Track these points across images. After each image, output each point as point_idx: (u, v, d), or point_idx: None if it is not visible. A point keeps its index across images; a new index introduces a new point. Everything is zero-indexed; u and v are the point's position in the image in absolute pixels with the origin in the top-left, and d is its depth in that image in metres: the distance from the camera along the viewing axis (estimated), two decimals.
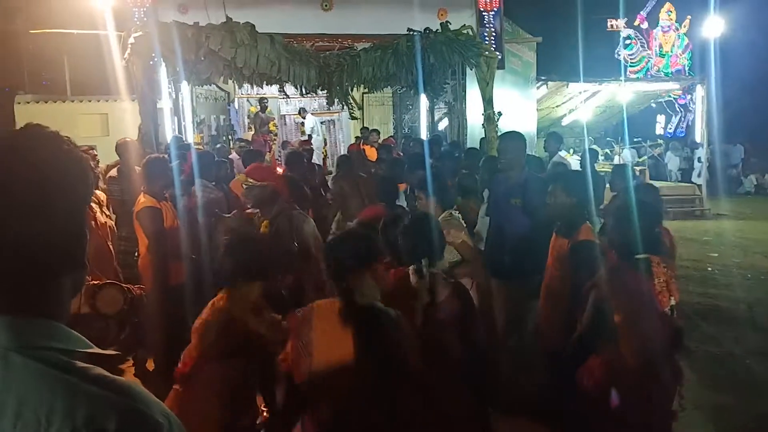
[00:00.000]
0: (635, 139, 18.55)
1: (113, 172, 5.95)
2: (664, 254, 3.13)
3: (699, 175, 15.52)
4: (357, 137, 12.00)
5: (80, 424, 0.81)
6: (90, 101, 13.40)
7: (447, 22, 8.71)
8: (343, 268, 2.30)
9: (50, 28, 10.75)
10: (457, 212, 4.13)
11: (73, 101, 13.51)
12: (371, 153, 9.55)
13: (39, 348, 0.85)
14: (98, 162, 6.64)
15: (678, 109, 20.17)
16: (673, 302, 2.95)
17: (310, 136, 14.08)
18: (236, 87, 11.83)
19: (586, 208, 3.60)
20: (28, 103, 13.33)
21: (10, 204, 0.87)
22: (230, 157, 8.51)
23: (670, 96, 19.28)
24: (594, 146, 16.47)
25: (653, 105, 19.82)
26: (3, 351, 0.84)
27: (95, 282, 3.99)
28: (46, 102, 13.39)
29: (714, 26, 16.50)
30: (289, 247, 3.94)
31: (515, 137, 4.58)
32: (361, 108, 13.68)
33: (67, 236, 0.92)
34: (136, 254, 4.71)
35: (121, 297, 4.03)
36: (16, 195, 0.87)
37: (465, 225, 4.10)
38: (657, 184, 13.86)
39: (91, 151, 6.40)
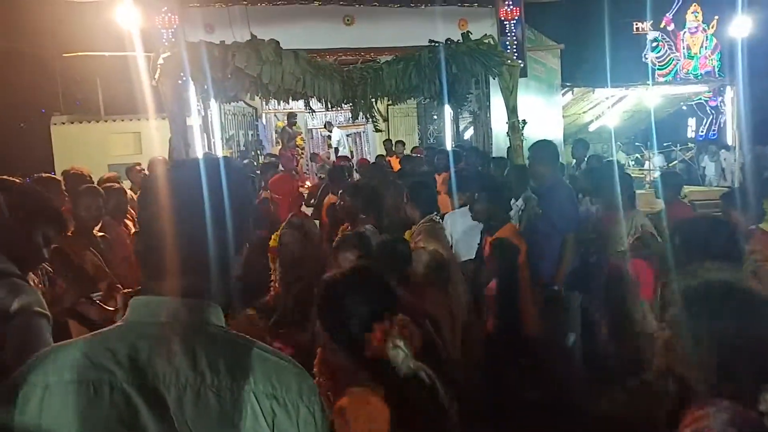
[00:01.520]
0: (665, 144, 18.27)
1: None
2: None
3: (725, 179, 15.24)
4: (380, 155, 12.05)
5: (274, 381, 1.10)
6: (122, 121, 13.74)
7: (468, 32, 8.76)
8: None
9: (82, 51, 11.08)
10: (439, 218, 4.10)
11: (106, 121, 13.86)
12: (396, 165, 9.62)
13: (217, 325, 1.14)
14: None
15: (709, 112, 19.85)
16: None
17: (337, 149, 14.22)
18: (263, 103, 12.06)
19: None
20: (63, 124, 13.73)
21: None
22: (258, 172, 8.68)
23: (700, 98, 18.98)
24: (621, 152, 16.30)
25: (684, 108, 19.52)
26: (202, 325, 1.12)
27: (129, 290, 4.13)
28: (80, 122, 13.77)
29: (742, 26, 16.23)
30: None
31: (543, 146, 4.63)
32: (386, 120, 13.80)
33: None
34: None
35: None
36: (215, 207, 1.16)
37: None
38: (690, 188, 13.67)
39: (138, 167, 6.67)
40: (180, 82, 7.99)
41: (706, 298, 1.45)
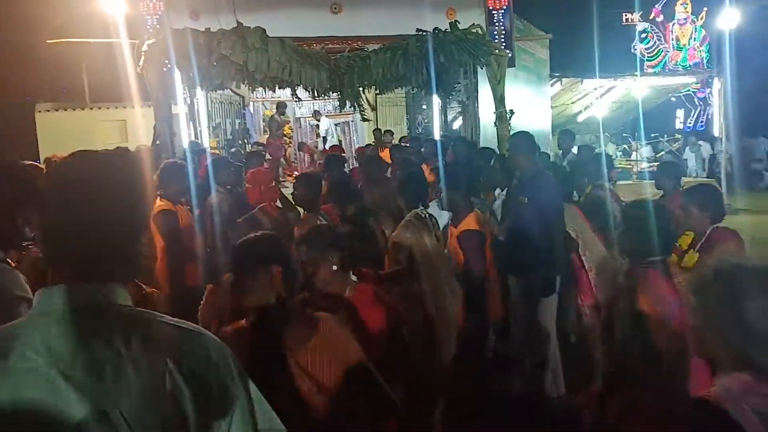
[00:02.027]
0: (653, 135, 18.36)
1: None
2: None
3: (704, 170, 15.36)
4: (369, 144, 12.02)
5: (184, 349, 1.17)
6: (108, 108, 13.60)
7: (456, 21, 8.74)
8: None
9: (67, 37, 10.95)
10: (424, 213, 4.00)
11: (92, 109, 13.72)
12: (386, 155, 9.59)
13: (123, 305, 1.19)
14: None
15: (697, 103, 19.95)
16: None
17: (325, 138, 14.17)
18: (251, 91, 11.98)
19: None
20: (48, 111, 13.57)
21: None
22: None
23: (688, 89, 19.08)
24: (610, 143, 16.34)
25: (672, 99, 19.62)
26: (110, 305, 1.16)
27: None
28: (65, 110, 13.61)
29: (730, 18, 16.28)
30: None
31: (521, 137, 4.67)
32: (374, 109, 13.74)
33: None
34: None
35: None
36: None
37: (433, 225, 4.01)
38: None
39: None
40: (165, 69, 7.92)
41: (735, 281, 1.53)
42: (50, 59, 13.83)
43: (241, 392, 1.22)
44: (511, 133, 8.72)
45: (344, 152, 10.29)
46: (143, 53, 7.80)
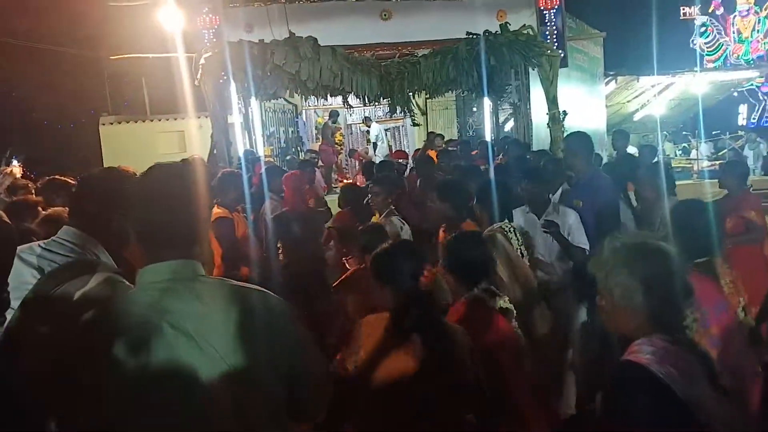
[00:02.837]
0: (714, 132, 17.71)
1: None
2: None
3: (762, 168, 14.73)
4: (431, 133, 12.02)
5: (258, 304, 1.56)
6: (167, 120, 14.11)
7: (507, 23, 8.68)
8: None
9: (128, 53, 11.41)
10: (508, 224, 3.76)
11: (152, 120, 14.25)
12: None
13: (203, 275, 1.59)
14: None
15: (762, 98, 19.14)
16: (742, 301, 2.76)
17: (375, 144, 14.27)
18: (303, 99, 12.20)
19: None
20: (111, 124, 14.17)
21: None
22: None
23: (752, 84, 18.32)
24: (667, 142, 15.85)
25: (735, 94, 18.88)
26: (195, 275, 1.56)
27: None
28: (127, 122, 14.19)
29: None
30: None
31: (577, 138, 4.54)
32: (424, 113, 13.76)
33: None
34: None
35: None
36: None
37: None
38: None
39: None
40: (221, 81, 8.17)
41: (634, 256, 1.78)
42: (113, 74, 14.45)
43: (298, 339, 1.62)
44: (565, 134, 8.62)
45: (407, 155, 10.20)
46: (201, 66, 8.07)
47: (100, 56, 13.73)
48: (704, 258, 2.66)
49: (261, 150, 9.73)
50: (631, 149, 9.07)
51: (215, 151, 8.29)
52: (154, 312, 1.48)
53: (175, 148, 13.36)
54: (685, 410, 1.58)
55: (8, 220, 1.74)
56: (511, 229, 3.70)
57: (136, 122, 14.20)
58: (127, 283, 1.99)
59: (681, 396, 1.58)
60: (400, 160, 7.06)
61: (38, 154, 16.26)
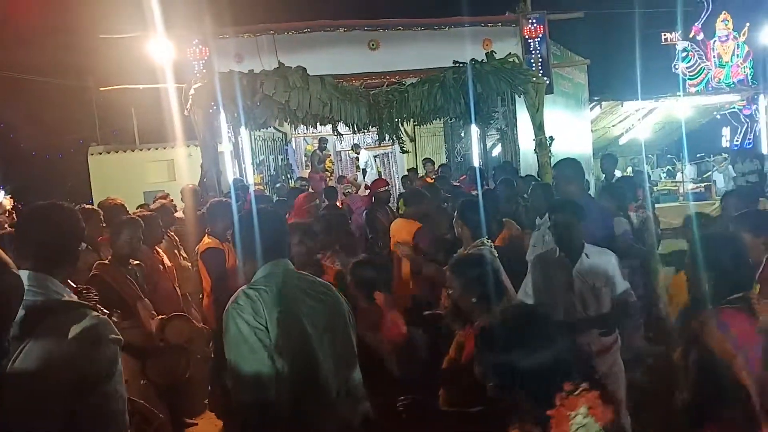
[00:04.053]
0: (698, 155, 17.95)
1: (179, 214, 6.36)
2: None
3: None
4: (410, 170, 12.06)
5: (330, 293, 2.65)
6: (156, 149, 14.13)
7: (492, 51, 8.83)
8: None
9: (118, 84, 11.48)
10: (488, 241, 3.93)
11: (141, 150, 14.27)
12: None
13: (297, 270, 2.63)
14: (175, 207, 7.05)
15: (743, 120, 19.45)
16: None
17: (365, 170, 14.33)
18: (293, 128, 12.27)
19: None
20: (101, 153, 14.18)
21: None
22: None
23: (734, 107, 18.63)
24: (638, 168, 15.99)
25: (717, 117, 19.18)
26: (292, 269, 2.58)
27: (163, 317, 4.26)
28: (116, 152, 14.21)
29: None
30: None
31: (569, 164, 4.55)
32: (413, 140, 13.87)
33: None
34: (201, 295, 4.96)
35: (187, 327, 4.28)
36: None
37: None
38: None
39: (168, 198, 6.89)
40: (211, 110, 8.22)
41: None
42: (102, 104, 14.50)
43: (353, 319, 2.62)
44: (552, 159, 8.73)
45: (388, 183, 10.29)
46: (190, 96, 8.12)
47: (90, 87, 13.78)
48: (738, 293, 2.48)
49: (251, 178, 9.76)
50: (617, 173, 9.19)
51: (205, 180, 8.30)
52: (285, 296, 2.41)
53: (165, 177, 13.37)
54: None
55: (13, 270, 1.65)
56: (491, 246, 3.82)
57: (125, 151, 14.21)
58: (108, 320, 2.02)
59: None
60: (382, 189, 7.05)
61: (26, 184, 16.19)
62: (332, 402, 2.38)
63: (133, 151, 14.25)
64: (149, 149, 14.24)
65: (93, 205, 6.07)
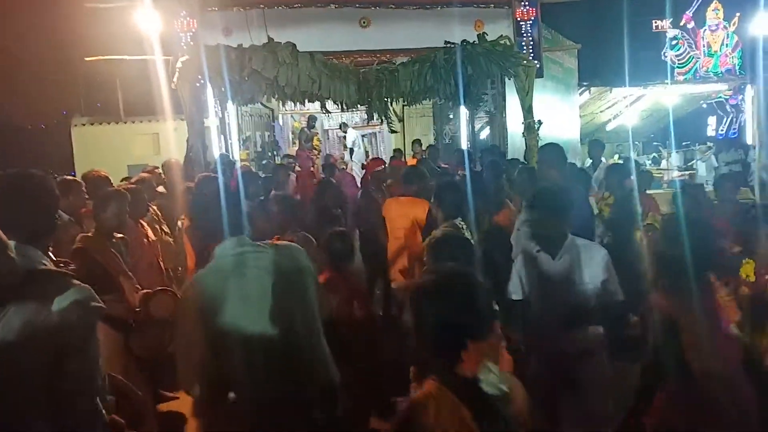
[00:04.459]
0: (684, 143, 18.08)
1: (161, 189, 6.27)
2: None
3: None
4: (396, 150, 12.04)
5: (290, 253, 2.68)
6: (141, 122, 13.95)
7: (484, 33, 8.77)
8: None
9: (103, 54, 11.27)
10: (461, 223, 3.96)
11: (126, 123, 14.08)
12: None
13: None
14: (161, 180, 6.93)
15: (729, 110, 19.59)
16: (738, 317, 2.71)
17: (352, 150, 14.28)
18: (280, 104, 12.16)
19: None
20: (84, 125, 13.97)
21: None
22: None
23: (720, 96, 18.74)
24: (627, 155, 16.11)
25: (704, 106, 19.30)
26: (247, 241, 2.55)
27: (147, 291, 4.23)
28: (100, 124, 14.00)
29: (763, 24, 16.00)
30: None
31: (552, 149, 4.59)
32: (401, 120, 13.81)
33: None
34: (179, 268, 4.95)
35: (171, 302, 4.25)
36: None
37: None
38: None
39: (155, 172, 6.80)
40: (198, 84, 8.11)
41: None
42: (87, 75, 14.23)
43: (316, 279, 2.65)
44: (540, 143, 8.74)
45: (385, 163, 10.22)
46: (177, 69, 8.00)
47: (75, 57, 13.52)
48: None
49: (237, 154, 9.68)
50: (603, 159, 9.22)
51: (191, 155, 8.22)
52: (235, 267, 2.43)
53: (150, 151, 13.21)
54: None
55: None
56: (464, 226, 3.90)
57: (109, 124, 14.02)
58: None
59: None
60: (379, 168, 7.09)
61: (7, 156, 15.92)
62: (293, 373, 2.39)
63: (117, 123, 14.05)
64: (134, 122, 14.05)
65: (76, 177, 5.98)
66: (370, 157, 12.88)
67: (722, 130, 19.65)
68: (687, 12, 18.62)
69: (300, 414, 2.39)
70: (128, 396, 2.57)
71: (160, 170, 7.01)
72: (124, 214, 4.30)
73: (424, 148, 10.97)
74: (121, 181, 6.82)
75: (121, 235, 4.32)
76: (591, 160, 8.92)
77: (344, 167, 13.16)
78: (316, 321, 2.53)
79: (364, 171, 10.25)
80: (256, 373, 2.34)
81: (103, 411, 1.97)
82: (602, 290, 3.28)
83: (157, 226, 5.64)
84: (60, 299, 1.84)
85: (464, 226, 3.93)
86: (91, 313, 1.95)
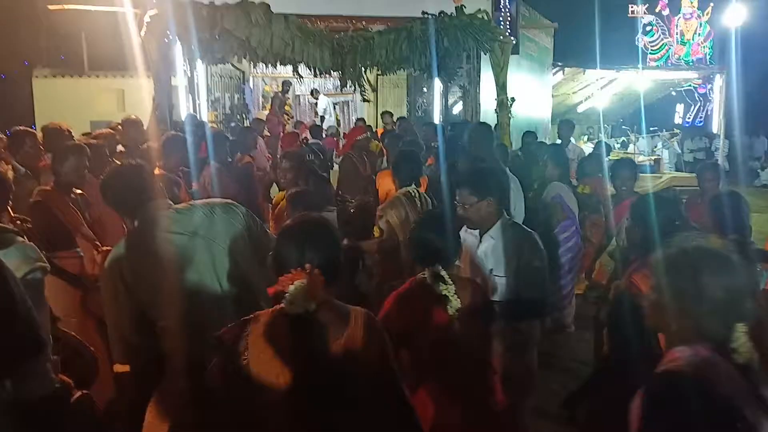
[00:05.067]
0: (651, 128, 18.38)
1: (120, 148, 6.06)
2: None
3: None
4: (358, 119, 11.98)
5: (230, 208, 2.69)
6: (106, 77, 13.51)
7: (462, 5, 8.68)
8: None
9: (68, 3, 10.83)
10: (415, 191, 4.17)
11: (90, 76, 13.62)
12: None
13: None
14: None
15: (697, 99, 19.92)
16: None
17: (323, 117, 14.10)
18: (251, 66, 11.89)
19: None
20: (46, 77, 13.47)
21: None
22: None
23: (690, 85, 19.03)
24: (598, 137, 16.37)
25: (673, 93, 19.59)
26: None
27: (108, 249, 4.12)
28: (63, 76, 13.52)
29: (736, 15, 16.24)
30: None
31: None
32: (375, 90, 13.65)
33: None
34: None
35: None
36: None
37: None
38: (674, 174, 13.75)
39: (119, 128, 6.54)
40: (166, 41, 7.85)
41: (686, 260, 1.66)
42: (50, 25, 13.66)
43: (255, 223, 2.61)
44: (512, 120, 8.76)
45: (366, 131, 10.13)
46: (145, 24, 7.73)
47: (38, 5, 12.96)
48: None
49: (205, 115, 9.45)
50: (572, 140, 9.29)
51: (156, 113, 7.99)
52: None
53: (114, 107, 12.83)
54: (729, 424, 1.47)
55: None
56: (416, 193, 4.14)
57: (72, 77, 13.54)
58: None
59: (726, 408, 1.48)
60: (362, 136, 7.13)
61: None
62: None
63: (81, 77, 13.58)
64: (99, 77, 13.60)
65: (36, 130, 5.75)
66: (354, 125, 12.72)
67: (689, 118, 20.01)
68: None
69: None
70: (81, 354, 2.51)
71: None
72: (83, 169, 4.16)
73: (394, 119, 10.88)
74: (82, 135, 6.60)
75: (80, 192, 4.19)
76: (560, 141, 8.98)
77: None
78: (254, 276, 2.47)
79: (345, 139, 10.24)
80: (187, 336, 2.27)
81: (51, 371, 1.91)
82: (513, 282, 3.01)
83: None
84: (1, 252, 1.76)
85: (417, 194, 4.14)
86: (35, 270, 1.88)
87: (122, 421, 2.43)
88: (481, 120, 9.46)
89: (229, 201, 2.66)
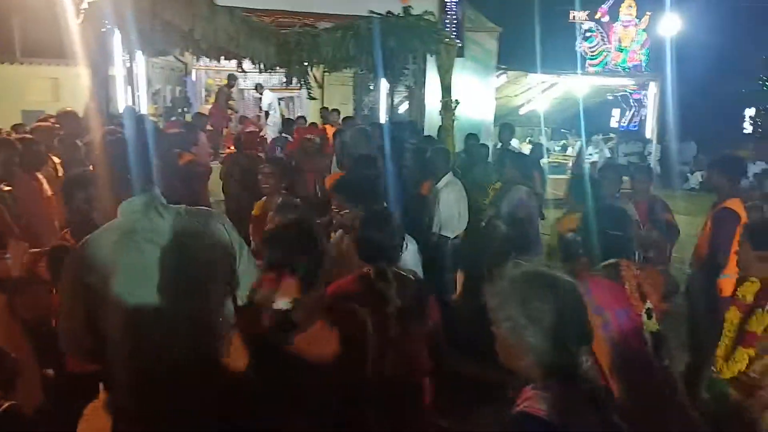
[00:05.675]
0: (588, 132, 18.95)
1: (56, 142, 5.81)
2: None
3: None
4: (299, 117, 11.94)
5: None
6: (40, 65, 12.94)
7: (409, 6, 8.70)
8: None
9: None
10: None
11: (22, 63, 13.02)
12: (331, 133, 9.53)
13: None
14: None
15: (632, 104, 20.66)
16: (648, 305, 2.65)
17: (267, 113, 13.92)
18: (194, 59, 11.63)
19: None
20: None
21: None
22: None
23: (625, 90, 19.72)
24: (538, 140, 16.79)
25: (610, 98, 20.25)
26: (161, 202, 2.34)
27: (39, 250, 3.95)
28: None
29: (670, 24, 16.91)
30: None
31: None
32: (321, 87, 13.60)
33: None
34: None
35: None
36: None
37: None
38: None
39: (51, 120, 6.26)
40: (104, 30, 7.58)
41: (527, 287, 1.60)
42: None
43: (243, 247, 2.38)
44: (457, 122, 8.87)
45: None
46: (83, 11, 7.44)
47: None
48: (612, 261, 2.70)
49: (144, 108, 9.19)
50: (515, 142, 9.50)
51: (92, 105, 7.70)
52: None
53: (47, 97, 12.31)
54: None
55: None
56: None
57: (3, 63, 12.91)
58: None
59: None
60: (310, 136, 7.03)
61: None
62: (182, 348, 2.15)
63: (12, 63, 12.95)
64: (32, 64, 13.01)
65: None
66: (286, 119, 12.60)
67: (624, 122, 20.74)
68: (603, 5, 19.34)
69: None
70: (1, 360, 2.40)
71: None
72: (11, 165, 3.98)
73: (340, 118, 10.88)
74: (13, 126, 6.31)
75: (8, 188, 4.00)
76: (501, 143, 9.16)
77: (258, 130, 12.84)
78: (222, 296, 2.27)
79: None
80: (139, 347, 2.15)
81: None
82: None
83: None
84: None
85: None
86: None
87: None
88: (425, 120, 9.56)
89: (213, 211, 2.52)
